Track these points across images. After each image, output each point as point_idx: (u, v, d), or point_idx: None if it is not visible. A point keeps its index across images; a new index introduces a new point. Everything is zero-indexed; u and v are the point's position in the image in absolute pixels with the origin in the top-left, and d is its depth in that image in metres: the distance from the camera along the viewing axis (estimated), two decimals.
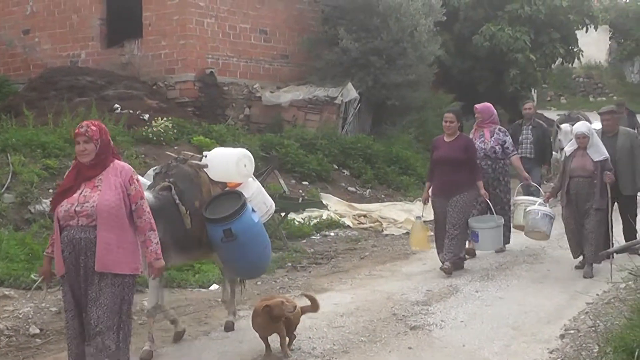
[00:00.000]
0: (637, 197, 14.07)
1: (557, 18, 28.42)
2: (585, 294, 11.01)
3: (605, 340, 8.02)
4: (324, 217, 16.56)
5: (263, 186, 14.45)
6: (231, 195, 9.28)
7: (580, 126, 12.73)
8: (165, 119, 17.94)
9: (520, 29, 27.38)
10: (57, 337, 9.47)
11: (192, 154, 10.42)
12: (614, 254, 11.15)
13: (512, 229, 14.05)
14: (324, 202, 17.05)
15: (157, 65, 20.92)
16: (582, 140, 12.39)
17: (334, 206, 17.50)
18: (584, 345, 8.63)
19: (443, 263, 12.45)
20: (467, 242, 13.25)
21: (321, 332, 9.38)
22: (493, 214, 12.94)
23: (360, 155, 20.49)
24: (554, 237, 15.47)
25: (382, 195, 19.74)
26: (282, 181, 15.53)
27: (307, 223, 16.30)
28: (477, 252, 13.70)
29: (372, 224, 15.69)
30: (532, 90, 33.17)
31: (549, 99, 41.71)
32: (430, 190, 13.05)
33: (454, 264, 12.53)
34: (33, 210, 13.10)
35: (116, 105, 18.87)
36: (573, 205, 12.46)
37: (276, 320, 8.28)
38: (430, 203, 13.12)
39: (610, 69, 50.61)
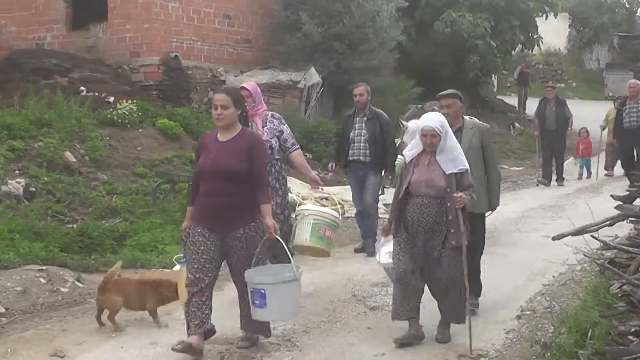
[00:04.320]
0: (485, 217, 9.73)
1: (517, 5, 28.65)
2: (542, 276, 11.03)
3: (560, 321, 8.04)
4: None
5: None
6: None
7: (429, 119, 8.26)
8: (129, 101, 17.93)
9: (481, 16, 27.58)
10: (22, 316, 9.51)
11: None
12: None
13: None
14: (287, 185, 17.10)
15: (122, 48, 20.85)
16: (431, 140, 8.10)
17: (297, 189, 17.49)
18: (539, 325, 8.72)
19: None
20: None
21: None
22: (288, 255, 8.18)
23: (322, 139, 20.50)
24: (511, 220, 15.70)
25: (344, 179, 19.79)
26: None
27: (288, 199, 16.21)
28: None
29: (333, 207, 15.61)
30: (493, 76, 33.42)
31: (508, 85, 41.91)
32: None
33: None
34: None
35: (81, 88, 18.82)
36: (410, 239, 8.24)
37: None
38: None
39: (569, 56, 51.08)
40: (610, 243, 8.03)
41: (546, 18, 32.45)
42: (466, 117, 9.68)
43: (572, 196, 18.99)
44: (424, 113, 12.18)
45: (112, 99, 18.48)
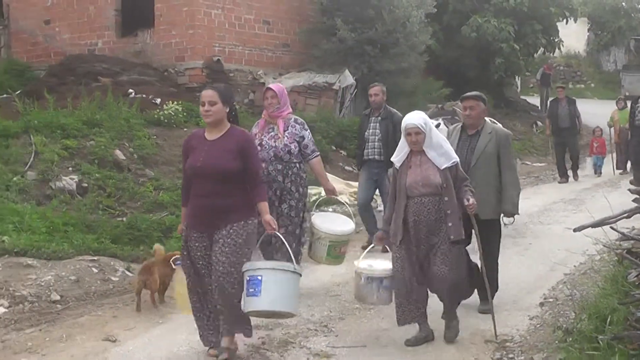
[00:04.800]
0: (500, 223, 9.18)
1: (539, 10, 28.48)
2: (563, 265, 11.00)
3: (581, 308, 7.96)
4: (322, 194, 16.48)
5: None
6: None
7: (412, 117, 7.70)
8: (175, 102, 17.93)
9: (505, 21, 27.45)
10: (76, 304, 9.63)
11: None
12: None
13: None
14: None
15: (168, 53, 20.90)
16: (416, 138, 7.57)
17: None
18: (561, 312, 8.67)
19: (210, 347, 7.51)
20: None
21: (319, 299, 9.47)
22: (289, 253, 7.43)
23: (356, 137, 20.30)
24: (534, 213, 15.61)
25: None
26: None
27: (307, 200, 16.15)
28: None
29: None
30: (516, 77, 33.27)
31: (531, 86, 41.62)
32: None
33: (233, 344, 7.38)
34: (54, 187, 13.16)
35: (130, 90, 18.89)
36: (412, 242, 7.67)
37: None
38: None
39: (587, 58, 50.89)
40: (628, 234, 7.93)
41: (566, 22, 32.24)
42: (487, 121, 9.09)
43: (591, 190, 18.90)
44: (443, 112, 11.75)
45: (158, 100, 18.55)
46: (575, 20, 34.29)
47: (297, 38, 23.05)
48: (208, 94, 7.27)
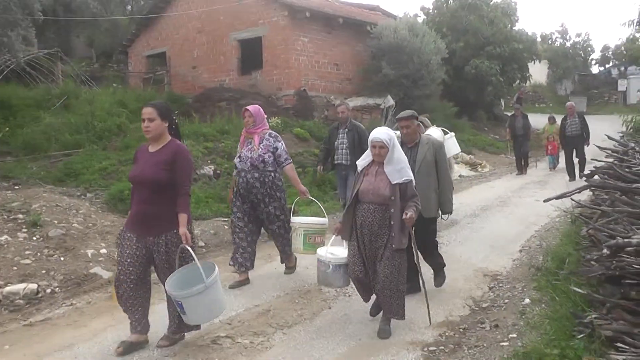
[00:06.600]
0: (437, 221, 7.49)
1: (516, 55, 28.09)
2: (535, 224, 10.97)
3: (547, 253, 8.23)
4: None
5: None
6: None
7: (379, 132, 6.06)
8: (276, 118, 17.89)
9: (494, 62, 27.12)
10: (214, 248, 9.84)
11: None
12: None
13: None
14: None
15: (271, 85, 20.84)
16: (379, 151, 5.99)
17: None
18: (534, 256, 8.67)
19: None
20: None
21: None
22: (197, 264, 5.54)
23: None
24: (517, 187, 15.46)
25: None
26: None
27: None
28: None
29: None
30: (501, 99, 33.00)
31: (510, 105, 40.93)
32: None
33: None
34: (198, 173, 13.22)
35: None
36: (360, 242, 6.08)
37: None
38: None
39: (547, 87, 50.82)
40: (582, 203, 8.03)
41: (534, 63, 31.89)
42: (424, 134, 7.44)
43: (552, 175, 18.64)
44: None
45: (265, 117, 18.49)
46: (539, 61, 34.00)
47: (356, 74, 22.78)
48: (147, 111, 5.59)
